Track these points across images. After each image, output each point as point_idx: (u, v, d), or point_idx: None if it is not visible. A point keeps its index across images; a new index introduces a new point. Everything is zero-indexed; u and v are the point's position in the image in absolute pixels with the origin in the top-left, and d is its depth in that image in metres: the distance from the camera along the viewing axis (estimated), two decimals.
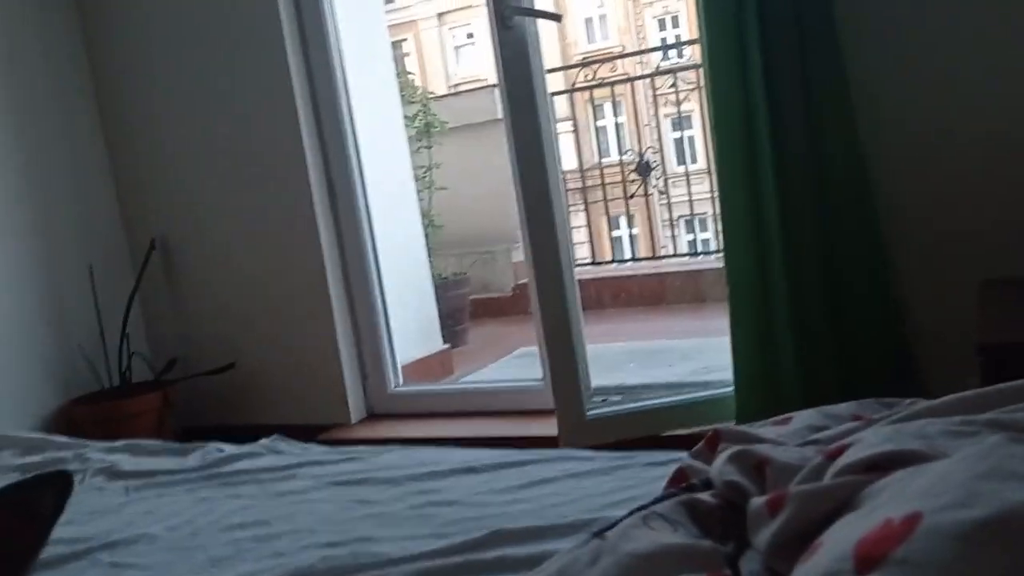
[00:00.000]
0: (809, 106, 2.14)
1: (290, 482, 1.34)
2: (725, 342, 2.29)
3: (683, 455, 1.16)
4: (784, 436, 0.95)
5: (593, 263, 5.41)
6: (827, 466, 0.68)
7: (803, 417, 1.00)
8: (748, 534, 0.69)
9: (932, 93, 2.12)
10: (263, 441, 1.55)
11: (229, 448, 1.53)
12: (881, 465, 0.63)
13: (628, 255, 6.95)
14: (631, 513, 0.79)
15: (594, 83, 4.76)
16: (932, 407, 0.83)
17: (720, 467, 0.79)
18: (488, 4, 2.36)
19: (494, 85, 5.68)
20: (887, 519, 0.50)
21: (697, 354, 3.30)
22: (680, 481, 0.96)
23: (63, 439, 1.74)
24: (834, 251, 2.17)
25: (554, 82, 5.54)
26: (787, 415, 1.03)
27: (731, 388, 2.29)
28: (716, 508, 0.75)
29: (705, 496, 0.78)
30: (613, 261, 5.48)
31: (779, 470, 0.73)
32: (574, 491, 1.14)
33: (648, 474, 1.15)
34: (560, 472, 1.22)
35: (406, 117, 4.09)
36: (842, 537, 0.53)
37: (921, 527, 0.47)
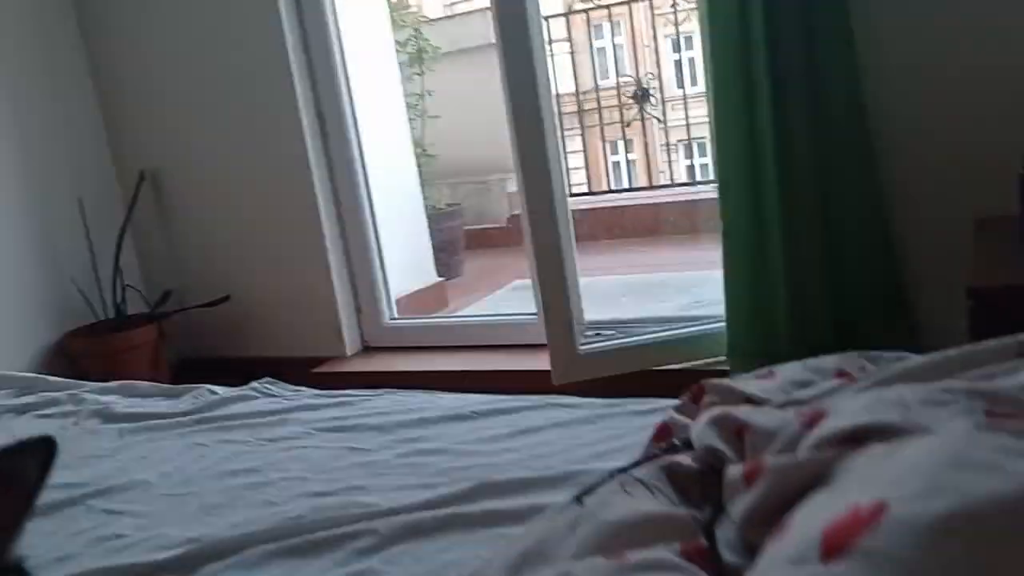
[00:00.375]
0: (810, 41, 2.09)
1: (281, 427, 1.35)
2: (719, 275, 2.29)
3: (670, 403, 1.17)
4: (768, 391, 0.96)
5: (590, 193, 5.38)
6: (803, 435, 0.69)
7: (787, 371, 1.00)
8: (723, 501, 0.69)
9: (934, 33, 2.07)
10: (254, 384, 1.55)
11: (221, 391, 1.54)
12: (857, 437, 0.63)
13: (626, 181, 6.89)
14: (611, 475, 0.79)
15: (591, 6, 4.65)
16: (913, 369, 0.83)
17: (701, 430, 0.80)
18: None
19: (489, 8, 5.54)
20: (855, 505, 0.50)
21: (692, 287, 3.30)
22: (663, 436, 0.97)
23: (57, 379, 1.76)
24: (830, 187, 2.16)
25: (551, 3, 5.40)
26: (771, 368, 1.03)
27: (723, 324, 2.29)
28: (695, 472, 0.76)
29: (685, 458, 0.79)
30: (610, 191, 5.45)
31: (757, 436, 0.73)
32: (560, 441, 1.16)
33: (633, 423, 1.16)
34: (547, 421, 1.23)
35: (397, 42, 4.00)
36: (810, 519, 0.54)
37: (886, 517, 0.48)
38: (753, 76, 2.12)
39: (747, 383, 1.00)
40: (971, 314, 1.44)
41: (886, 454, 0.57)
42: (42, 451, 0.71)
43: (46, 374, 1.94)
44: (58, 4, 2.96)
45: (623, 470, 0.79)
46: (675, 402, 1.08)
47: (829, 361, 1.01)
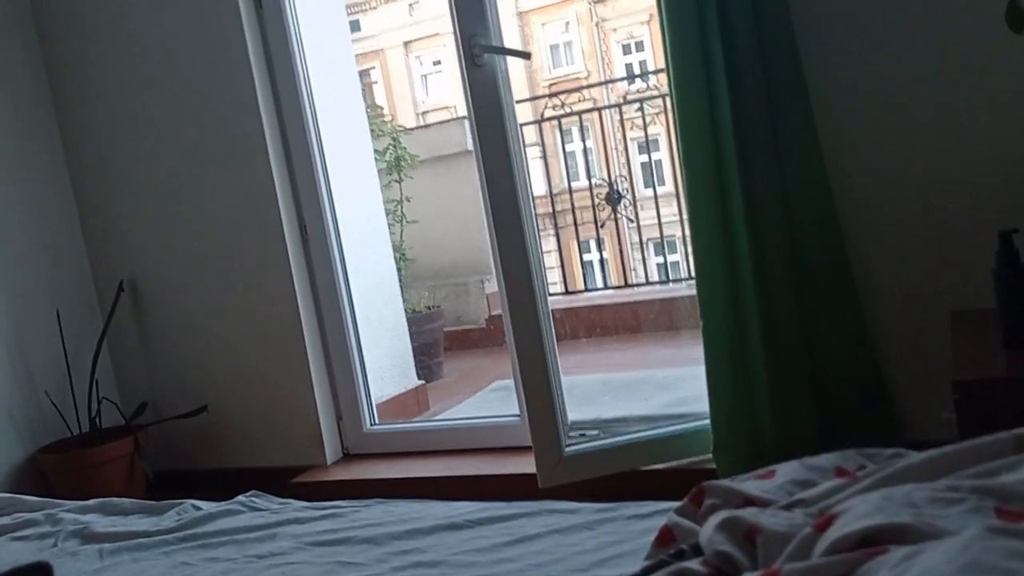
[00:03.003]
0: (778, 141, 2.17)
1: (270, 543, 1.31)
2: (700, 371, 2.30)
3: (667, 506, 1.16)
4: (769, 491, 0.95)
5: (566, 292, 5.42)
6: (816, 537, 0.68)
7: (786, 471, 1.00)
8: None
9: (898, 125, 2.15)
10: (240, 497, 1.52)
11: (206, 506, 1.50)
12: (872, 540, 0.63)
13: (599, 280, 6.97)
14: None
15: (563, 113, 4.79)
16: (915, 466, 0.83)
17: (710, 535, 0.79)
18: (457, 43, 2.37)
19: (463, 117, 5.70)
20: None
21: (673, 384, 3.30)
22: (666, 540, 0.96)
23: (33, 499, 1.70)
24: (806, 281, 2.20)
25: (522, 111, 5.56)
26: (770, 468, 1.03)
27: (707, 421, 2.29)
28: None
29: (695, 565, 0.78)
30: (585, 290, 5.49)
31: (769, 539, 0.73)
32: (559, 548, 1.13)
33: (633, 528, 1.15)
34: (543, 528, 1.21)
35: (376, 151, 4.08)
36: None
37: None
38: (725, 177, 2.18)
39: (747, 484, 1.00)
40: (958, 407, 1.45)
41: (904, 558, 0.57)
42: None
43: (16, 493, 1.88)
44: (39, 114, 3.00)
45: None
46: (672, 504, 1.07)
47: (827, 459, 1.01)
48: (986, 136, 2.07)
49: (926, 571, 0.53)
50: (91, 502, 1.61)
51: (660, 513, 1.18)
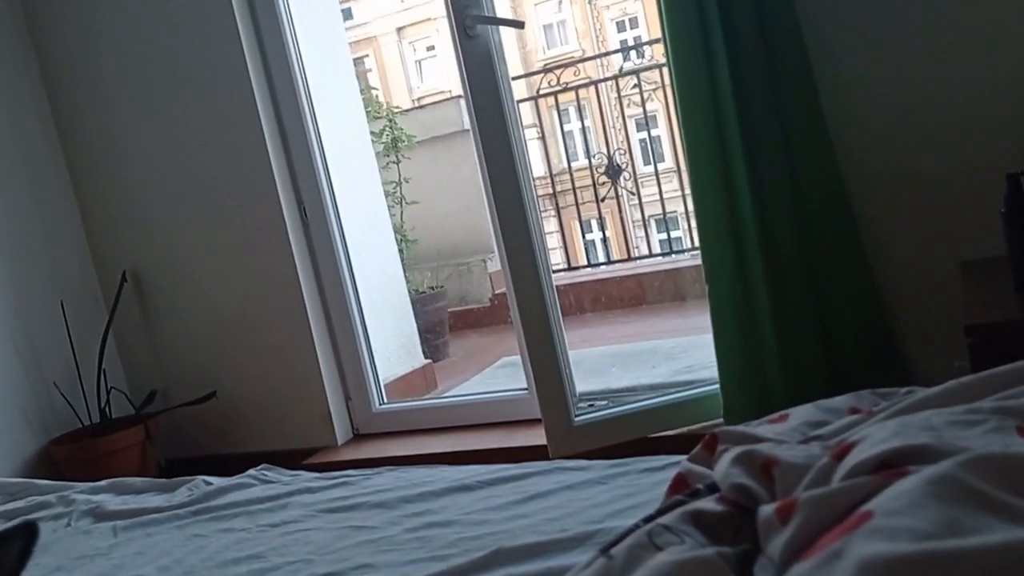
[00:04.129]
0: (778, 100, 2.14)
1: (282, 512, 1.31)
2: (707, 340, 2.29)
3: (680, 459, 1.15)
4: (782, 434, 0.94)
5: (569, 268, 5.41)
6: (834, 467, 0.67)
7: (800, 413, 0.99)
8: (760, 541, 0.67)
9: (897, 75, 2.13)
10: (251, 471, 1.51)
11: (217, 481, 1.50)
12: (891, 462, 0.62)
13: (602, 259, 6.96)
14: (636, 526, 0.77)
15: (559, 88, 4.76)
16: (932, 396, 0.82)
17: (725, 469, 0.78)
18: (449, 15, 2.35)
19: (458, 96, 5.66)
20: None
21: (680, 353, 3.30)
22: (681, 487, 0.95)
23: (45, 482, 1.70)
24: (811, 242, 2.18)
25: (517, 90, 5.52)
26: (783, 412, 1.02)
27: (716, 386, 2.28)
28: (724, 515, 0.74)
29: (710, 502, 0.77)
30: (588, 265, 5.48)
31: (787, 471, 0.72)
32: (572, 503, 1.13)
33: (646, 480, 1.14)
34: (556, 485, 1.20)
35: (372, 133, 4.06)
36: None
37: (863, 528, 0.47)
38: (726, 140, 2.16)
39: (760, 428, 0.99)
40: (971, 352, 1.44)
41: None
42: (22, 537, 0.70)
43: None
44: (36, 107, 2.99)
45: (648, 519, 0.77)
46: (685, 456, 1.06)
47: (841, 401, 1.00)
48: (989, 79, 2.05)
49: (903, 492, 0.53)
50: (103, 483, 1.61)
51: (673, 466, 1.18)
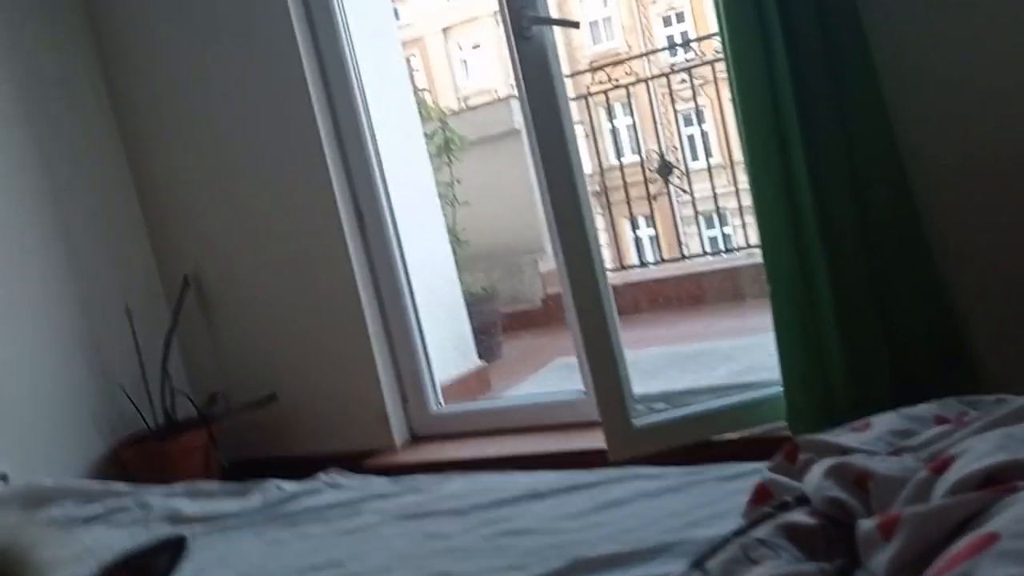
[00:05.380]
0: (839, 91, 2.10)
1: (356, 518, 1.32)
2: (767, 340, 2.26)
3: (754, 467, 1.14)
4: (867, 443, 0.93)
5: (620, 268, 5.39)
6: (933, 481, 0.66)
7: (883, 421, 0.97)
8: (860, 556, 0.66)
9: (965, 62, 2.07)
10: (321, 476, 1.53)
11: (289, 486, 1.52)
12: (998, 477, 0.61)
13: (651, 257, 6.92)
14: (726, 539, 0.77)
15: (609, 87, 4.74)
16: None
17: (818, 483, 0.77)
18: (503, 16, 2.35)
19: (508, 97, 5.67)
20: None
21: (739, 354, 3.26)
22: (763, 498, 0.94)
23: (122, 486, 1.74)
24: (874, 239, 2.14)
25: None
26: (865, 420, 1.01)
27: (779, 388, 2.25)
28: (818, 528, 0.73)
29: (803, 515, 0.76)
30: (642, 264, 5.45)
31: (882, 484, 0.71)
32: (649, 512, 1.12)
33: (723, 489, 1.13)
34: (630, 493, 1.20)
35: (425, 134, 4.09)
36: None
37: (991, 551, 0.46)
38: (786, 135, 2.13)
39: (843, 437, 0.97)
40: None
41: None
42: (173, 548, 0.76)
43: None
44: (100, 113, 3.05)
45: (739, 532, 0.76)
46: (759, 466, 1.05)
47: (925, 409, 0.99)
48: None
49: None
50: (177, 487, 1.64)
51: (748, 474, 1.16)
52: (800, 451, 0.97)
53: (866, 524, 0.66)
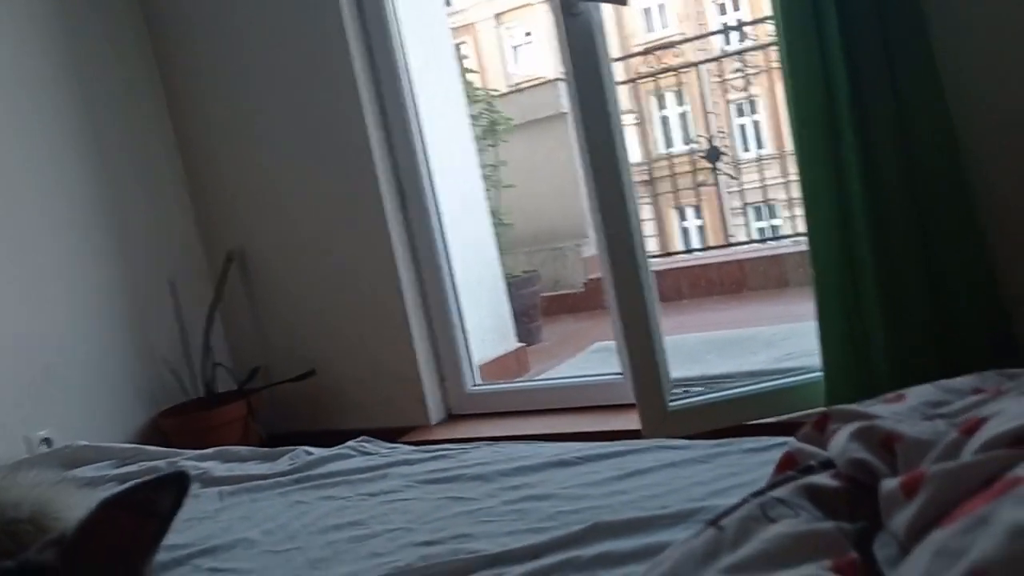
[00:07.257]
0: (893, 80, 2.04)
1: (381, 482, 1.32)
2: (808, 327, 2.22)
3: (785, 440, 1.11)
4: (900, 414, 0.89)
5: (665, 254, 5.34)
6: (964, 442, 0.63)
7: (918, 393, 0.93)
8: (881, 517, 0.64)
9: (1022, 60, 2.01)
10: (350, 443, 1.54)
11: (317, 451, 1.53)
12: None
13: (697, 245, 6.85)
14: (746, 500, 0.74)
15: (658, 69, 4.68)
16: None
17: (843, 444, 0.74)
18: None
19: (555, 79, 5.63)
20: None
21: (780, 341, 3.20)
22: (790, 466, 0.91)
23: (156, 449, 1.77)
24: (925, 230, 2.08)
25: (616, 73, 5.47)
26: (900, 392, 0.97)
27: (819, 374, 2.21)
28: (841, 490, 0.71)
29: (825, 478, 0.74)
30: (688, 251, 5.40)
31: (910, 446, 0.68)
32: (673, 481, 1.10)
33: (750, 460, 1.11)
34: (656, 462, 1.18)
35: (471, 116, 4.08)
36: None
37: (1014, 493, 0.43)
38: (837, 120, 2.08)
39: (876, 407, 0.94)
40: None
41: None
42: (176, 484, 0.76)
43: None
44: (148, 90, 3.10)
45: (759, 492, 0.74)
46: (791, 438, 1.02)
47: (963, 381, 0.94)
48: None
49: None
50: (209, 451, 1.66)
51: (776, 447, 1.14)
52: (831, 421, 0.94)
53: (889, 483, 0.63)
